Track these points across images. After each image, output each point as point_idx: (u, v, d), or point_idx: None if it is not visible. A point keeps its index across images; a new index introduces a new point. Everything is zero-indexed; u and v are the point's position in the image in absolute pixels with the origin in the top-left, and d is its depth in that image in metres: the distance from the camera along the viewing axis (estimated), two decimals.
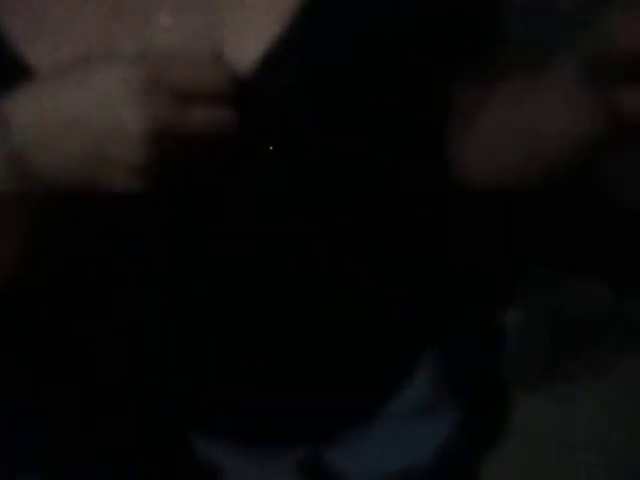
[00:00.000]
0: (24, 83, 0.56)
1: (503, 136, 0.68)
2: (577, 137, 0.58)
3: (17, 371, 0.80)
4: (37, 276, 0.65)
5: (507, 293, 1.34)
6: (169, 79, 0.53)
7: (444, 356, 0.88)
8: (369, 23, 0.61)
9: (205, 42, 0.57)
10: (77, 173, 0.55)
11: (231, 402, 0.78)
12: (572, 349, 1.57)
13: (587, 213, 1.39)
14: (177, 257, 0.67)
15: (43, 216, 0.59)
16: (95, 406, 0.80)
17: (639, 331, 1.57)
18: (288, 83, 0.60)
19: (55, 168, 0.54)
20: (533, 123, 0.63)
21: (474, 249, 1.17)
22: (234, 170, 0.62)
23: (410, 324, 0.84)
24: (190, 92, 0.54)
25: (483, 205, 0.93)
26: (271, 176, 0.63)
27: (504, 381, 1.20)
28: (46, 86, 0.54)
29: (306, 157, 0.63)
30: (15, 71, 0.58)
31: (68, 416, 0.82)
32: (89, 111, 0.52)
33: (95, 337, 0.74)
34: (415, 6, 0.62)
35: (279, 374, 0.76)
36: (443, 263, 0.90)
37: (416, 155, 0.71)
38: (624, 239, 1.43)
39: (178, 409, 0.79)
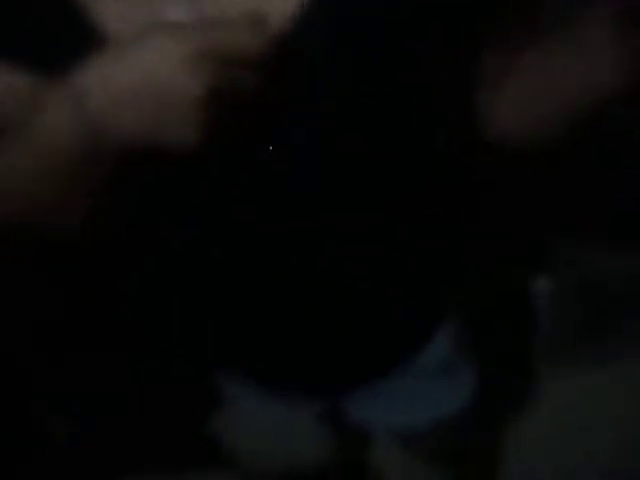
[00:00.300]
0: (94, 48, 0.60)
1: (534, 94, 0.68)
2: (608, 91, 0.58)
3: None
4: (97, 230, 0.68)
5: (537, 262, 1.34)
6: (216, 47, 0.58)
7: (467, 319, 0.89)
8: None
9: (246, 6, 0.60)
10: (144, 134, 0.60)
11: (254, 354, 0.81)
12: (603, 321, 1.57)
13: (618, 184, 1.37)
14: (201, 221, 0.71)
15: (111, 174, 0.64)
16: (120, 342, 0.83)
17: None
18: (320, 43, 0.62)
19: (126, 130, 0.59)
20: (565, 79, 0.63)
21: (505, 217, 1.17)
22: (266, 133, 0.65)
23: (433, 288, 0.86)
24: (235, 58, 0.59)
25: (515, 172, 0.93)
26: (275, 166, 0.66)
27: (530, 349, 1.21)
28: (115, 55, 0.59)
29: (332, 126, 0.66)
30: (86, 36, 0.63)
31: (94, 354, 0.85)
32: (152, 78, 0.58)
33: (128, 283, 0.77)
34: None
35: (301, 330, 0.79)
36: (474, 230, 0.91)
37: (447, 122, 0.72)
38: None
39: (203, 356, 0.82)
